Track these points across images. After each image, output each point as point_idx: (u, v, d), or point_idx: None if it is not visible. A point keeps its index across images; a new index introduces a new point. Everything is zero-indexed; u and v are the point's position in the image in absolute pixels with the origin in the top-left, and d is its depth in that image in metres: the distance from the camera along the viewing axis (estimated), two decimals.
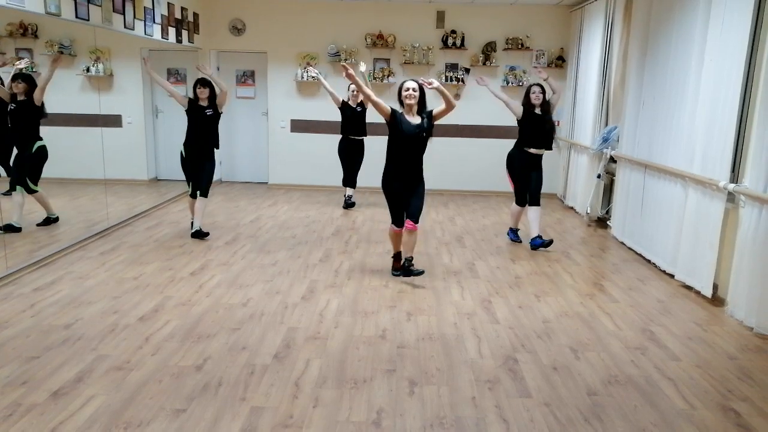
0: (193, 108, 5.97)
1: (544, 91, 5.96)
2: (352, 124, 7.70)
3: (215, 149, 6.18)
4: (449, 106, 4.74)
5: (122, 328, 3.83)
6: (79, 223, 6.47)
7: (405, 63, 8.98)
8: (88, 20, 5.72)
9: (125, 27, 6.52)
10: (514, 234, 6.43)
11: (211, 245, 5.88)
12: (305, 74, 8.99)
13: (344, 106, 7.68)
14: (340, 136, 7.87)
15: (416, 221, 4.88)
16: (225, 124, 9.42)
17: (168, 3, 7.65)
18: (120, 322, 3.92)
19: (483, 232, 6.84)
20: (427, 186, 5.03)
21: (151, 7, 7.12)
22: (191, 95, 6.08)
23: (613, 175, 6.89)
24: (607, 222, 7.04)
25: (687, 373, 3.44)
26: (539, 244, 6.03)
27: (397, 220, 4.96)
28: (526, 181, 6.11)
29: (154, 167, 9.17)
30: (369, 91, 4.83)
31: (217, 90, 6.02)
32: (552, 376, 3.36)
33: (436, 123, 4.83)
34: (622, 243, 6.34)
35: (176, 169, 9.17)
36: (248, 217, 7.22)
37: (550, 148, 6.17)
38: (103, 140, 6.91)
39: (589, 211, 7.40)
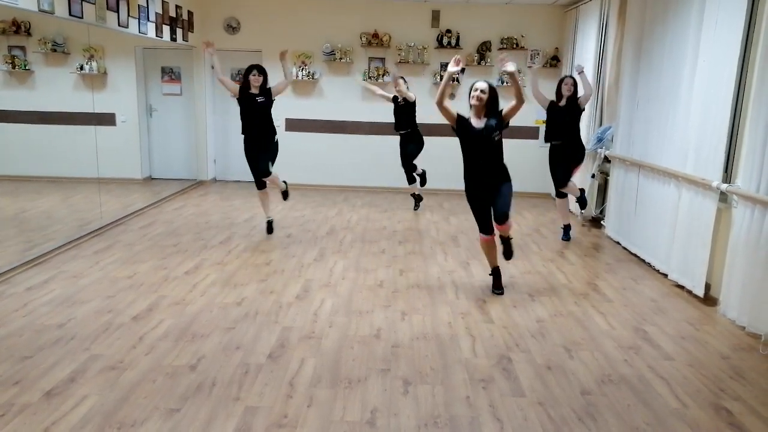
0: (244, 96, 5.96)
1: (575, 84, 6.11)
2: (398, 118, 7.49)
3: (275, 135, 6.23)
4: (519, 102, 4.35)
5: (116, 327, 3.82)
6: (73, 221, 6.45)
7: (400, 62, 8.98)
8: (82, 18, 5.69)
9: (119, 25, 6.49)
10: (564, 233, 6.49)
11: (206, 244, 5.87)
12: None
13: (394, 100, 7.47)
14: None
15: (506, 219, 4.57)
16: (219, 123, 9.47)
17: (162, 1, 7.62)
18: (114, 322, 3.91)
19: (477, 231, 6.83)
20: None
21: (145, 5, 7.09)
22: (240, 81, 6.04)
23: (608, 174, 6.91)
24: (601, 222, 7.07)
25: (680, 372, 3.46)
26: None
27: (484, 228, 4.66)
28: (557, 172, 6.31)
29: (148, 166, 9.15)
30: (440, 97, 4.44)
31: (281, 79, 6.14)
32: (546, 375, 3.37)
33: (505, 122, 4.46)
34: (617, 242, 6.37)
35: (170, 167, 9.25)
36: (242, 216, 7.21)
37: (566, 138, 6.22)
38: (97, 139, 6.88)
39: (583, 211, 7.42)
